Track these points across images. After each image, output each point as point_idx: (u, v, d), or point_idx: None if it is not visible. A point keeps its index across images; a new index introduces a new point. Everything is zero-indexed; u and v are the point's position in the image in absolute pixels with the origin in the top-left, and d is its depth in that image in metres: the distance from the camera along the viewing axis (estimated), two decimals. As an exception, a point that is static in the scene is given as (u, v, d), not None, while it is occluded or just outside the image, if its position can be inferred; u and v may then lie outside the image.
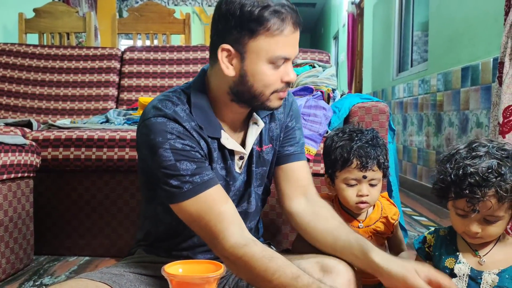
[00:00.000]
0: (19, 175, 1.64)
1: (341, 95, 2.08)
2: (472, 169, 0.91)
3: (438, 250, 1.04)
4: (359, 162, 1.20)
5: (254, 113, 1.11)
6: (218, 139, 1.05)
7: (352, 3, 6.76)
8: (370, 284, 1.06)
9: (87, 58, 2.73)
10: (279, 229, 1.79)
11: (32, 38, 3.27)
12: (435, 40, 3.51)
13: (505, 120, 1.46)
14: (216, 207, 0.97)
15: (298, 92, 1.92)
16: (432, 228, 1.12)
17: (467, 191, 0.90)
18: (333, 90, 2.02)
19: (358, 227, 1.27)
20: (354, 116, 1.78)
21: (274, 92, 1.01)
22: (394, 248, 1.36)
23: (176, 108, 1.01)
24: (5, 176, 1.56)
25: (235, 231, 0.96)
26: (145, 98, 2.22)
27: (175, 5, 6.72)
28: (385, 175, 1.26)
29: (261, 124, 1.11)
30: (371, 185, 1.23)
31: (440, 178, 0.97)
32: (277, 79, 1.00)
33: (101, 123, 2.18)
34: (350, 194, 1.22)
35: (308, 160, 1.67)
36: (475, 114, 2.72)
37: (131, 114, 2.28)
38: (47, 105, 2.63)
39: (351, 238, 1.04)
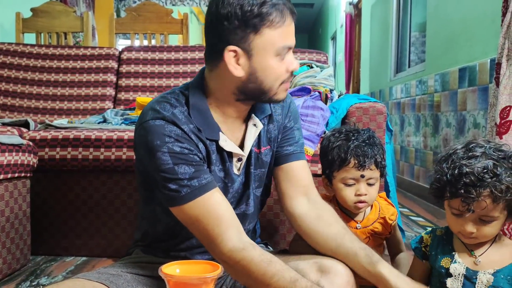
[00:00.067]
0: (16, 175, 1.64)
1: (339, 96, 2.08)
2: (467, 169, 0.91)
3: (434, 249, 1.05)
4: (356, 161, 1.20)
5: (253, 114, 1.11)
6: (217, 141, 1.05)
7: (350, 3, 6.77)
8: (367, 285, 1.06)
9: (84, 58, 2.73)
10: (277, 230, 1.79)
11: (30, 38, 3.27)
12: (433, 41, 3.51)
13: (502, 121, 1.46)
14: (214, 211, 0.97)
15: (295, 92, 1.92)
16: (429, 229, 1.12)
17: (462, 191, 0.91)
18: (331, 90, 2.02)
19: (356, 228, 1.27)
20: (352, 116, 1.78)
21: (281, 83, 1.03)
22: (393, 249, 1.36)
23: (174, 110, 1.01)
24: (1, 176, 1.55)
25: (233, 235, 0.97)
26: (143, 98, 2.22)
27: (173, 5, 6.71)
28: (382, 174, 1.27)
29: (260, 125, 1.11)
30: (369, 185, 1.23)
31: (437, 177, 0.97)
32: (284, 70, 1.02)
33: (99, 123, 2.18)
34: (349, 194, 1.23)
35: (306, 160, 1.67)
36: (472, 114, 2.72)
37: (128, 114, 2.27)
38: (44, 105, 2.63)
39: (356, 246, 1.05)
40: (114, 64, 2.74)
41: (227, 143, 1.06)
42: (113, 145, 1.81)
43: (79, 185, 1.87)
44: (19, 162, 1.63)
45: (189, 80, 2.60)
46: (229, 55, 0.98)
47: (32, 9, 3.15)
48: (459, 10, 3.00)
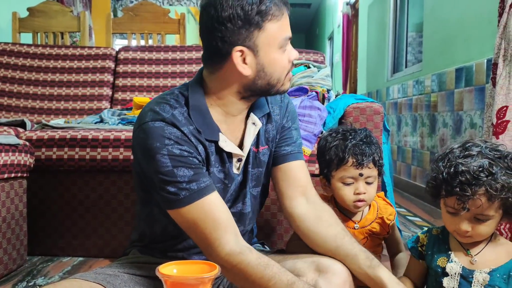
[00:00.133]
0: (13, 175, 1.63)
1: (336, 96, 2.08)
2: (463, 168, 0.92)
3: (430, 249, 1.06)
4: (355, 160, 1.20)
5: (252, 113, 1.11)
6: (216, 142, 1.05)
7: (347, 4, 6.78)
8: (363, 285, 1.06)
9: (81, 58, 2.72)
10: (274, 230, 1.79)
11: (26, 38, 3.25)
12: (430, 41, 3.52)
13: (499, 121, 1.46)
14: (212, 214, 0.97)
15: (293, 92, 1.92)
16: (426, 228, 1.12)
17: (458, 189, 0.92)
18: (328, 90, 2.02)
19: (354, 228, 1.27)
20: (349, 116, 1.78)
21: (287, 74, 1.06)
22: (392, 249, 1.36)
23: (174, 111, 1.01)
24: (-2, 176, 1.55)
25: (230, 239, 0.97)
26: (140, 98, 2.21)
27: (170, 5, 6.71)
28: (380, 173, 1.27)
29: (259, 123, 1.11)
30: (368, 183, 1.23)
31: (433, 176, 0.98)
32: (287, 61, 1.04)
33: (95, 123, 2.18)
34: (347, 193, 1.23)
35: (304, 160, 1.67)
36: (469, 115, 2.73)
37: (125, 114, 2.27)
38: (40, 105, 2.62)
39: (356, 248, 1.05)
40: (111, 64, 2.73)
41: (227, 143, 1.06)
42: (110, 145, 1.81)
43: (76, 185, 1.87)
44: (15, 162, 1.63)
45: (186, 80, 2.62)
46: (236, 55, 0.98)
47: (28, 9, 3.14)
48: (456, 10, 3.01)
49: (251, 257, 0.95)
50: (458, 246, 1.02)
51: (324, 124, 1.80)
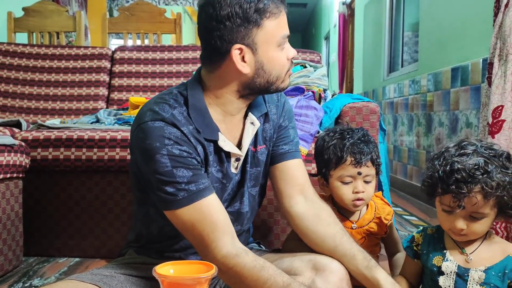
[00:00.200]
0: (8, 175, 1.62)
1: (332, 95, 2.08)
2: (459, 166, 0.93)
3: (426, 248, 1.06)
4: (353, 159, 1.21)
5: (250, 113, 1.11)
6: (215, 142, 1.05)
7: (343, 3, 6.79)
8: (359, 285, 1.07)
9: (77, 58, 2.71)
10: (271, 229, 1.79)
11: (21, 37, 3.24)
12: (425, 41, 3.53)
13: (494, 120, 1.47)
14: (210, 216, 0.97)
15: (289, 92, 1.92)
16: (421, 228, 1.13)
17: (454, 187, 0.93)
18: (324, 90, 2.02)
19: (352, 228, 1.27)
20: (345, 116, 1.78)
21: (287, 72, 1.06)
22: (390, 249, 1.36)
23: (173, 111, 1.00)
24: (-7, 177, 1.54)
25: (227, 241, 0.97)
26: (136, 98, 2.21)
27: (166, 4, 6.69)
28: (378, 172, 1.27)
29: (257, 123, 1.11)
30: (366, 182, 1.23)
31: (429, 174, 0.99)
32: (286, 59, 1.05)
33: (91, 123, 2.17)
34: (346, 192, 1.23)
35: (301, 159, 1.67)
36: (464, 114, 2.74)
37: (121, 114, 2.26)
38: (36, 105, 2.61)
39: (354, 248, 1.06)
40: (107, 64, 2.73)
41: (226, 143, 1.06)
42: (106, 145, 1.80)
43: (72, 186, 1.86)
44: (11, 163, 1.62)
45: (182, 79, 2.61)
46: (235, 53, 0.99)
47: (24, 9, 3.12)
48: (452, 10, 3.02)
49: (247, 259, 0.96)
50: (453, 245, 1.02)
51: (320, 124, 1.80)
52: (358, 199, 1.22)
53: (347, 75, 6.72)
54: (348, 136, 1.24)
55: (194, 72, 2.27)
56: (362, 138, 1.24)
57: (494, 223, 1.42)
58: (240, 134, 1.12)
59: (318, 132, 1.77)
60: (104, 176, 1.85)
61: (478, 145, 0.97)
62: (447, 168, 0.94)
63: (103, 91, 2.67)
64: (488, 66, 1.56)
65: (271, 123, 1.17)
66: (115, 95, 2.65)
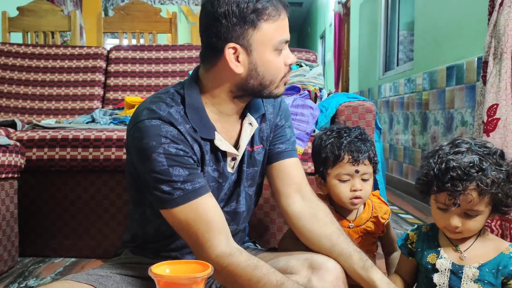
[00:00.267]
0: (3, 175, 1.61)
1: (328, 94, 2.08)
2: (454, 164, 0.94)
3: (420, 246, 1.07)
4: (350, 157, 1.21)
5: (248, 113, 1.11)
6: (211, 141, 1.05)
7: (339, 2, 6.79)
8: (355, 284, 1.07)
9: (72, 57, 2.70)
10: (267, 229, 1.79)
11: (16, 37, 3.22)
12: (421, 40, 3.54)
13: (489, 119, 1.47)
14: (205, 216, 0.97)
15: (285, 91, 1.92)
16: (416, 226, 1.13)
17: (449, 184, 0.93)
18: (320, 89, 2.03)
19: (349, 227, 1.28)
20: (341, 115, 1.79)
21: (282, 78, 1.05)
22: (387, 248, 1.36)
23: (170, 110, 1.00)
24: (-12, 177, 1.53)
25: (221, 240, 0.97)
26: (131, 98, 2.20)
27: (162, 4, 6.68)
28: (375, 171, 1.27)
29: (255, 124, 1.11)
30: (363, 180, 1.24)
31: (424, 172, 1.00)
32: (282, 64, 1.04)
33: (87, 122, 2.16)
34: (344, 190, 1.23)
35: (298, 158, 1.67)
36: (460, 112, 2.75)
37: (117, 114, 2.26)
38: (31, 105, 2.60)
39: (351, 248, 1.06)
40: (102, 64, 2.72)
41: (222, 142, 1.06)
42: (102, 145, 1.80)
43: (67, 186, 1.85)
44: (6, 163, 1.61)
45: (178, 79, 2.61)
46: (229, 52, 0.98)
47: (18, 8, 3.11)
48: (447, 9, 3.03)
49: (241, 258, 0.95)
50: (448, 243, 1.03)
51: (316, 123, 1.81)
52: (356, 197, 1.23)
53: (343, 74, 6.73)
54: (345, 135, 1.24)
55: (190, 72, 2.27)
56: (360, 137, 1.24)
57: (489, 221, 1.42)
58: (238, 134, 1.12)
59: (314, 131, 1.77)
60: (99, 176, 1.84)
61: (472, 143, 0.97)
62: (442, 166, 0.95)
63: (98, 90, 2.66)
64: (483, 64, 1.57)
65: (268, 123, 1.17)
66: (111, 95, 2.64)
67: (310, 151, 1.73)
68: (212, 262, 0.94)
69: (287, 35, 1.02)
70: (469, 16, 2.67)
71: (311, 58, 2.47)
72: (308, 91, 1.95)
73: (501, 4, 1.49)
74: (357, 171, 1.22)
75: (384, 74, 4.61)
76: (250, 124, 1.11)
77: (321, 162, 1.26)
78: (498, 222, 1.45)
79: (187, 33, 9.32)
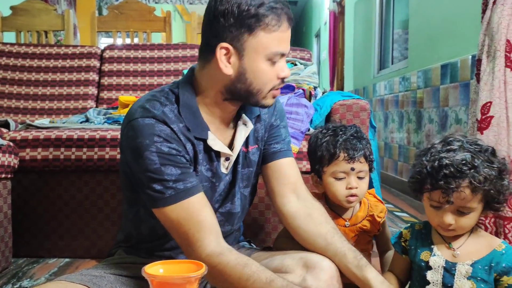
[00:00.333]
0: (-4, 176, 1.61)
1: (323, 93, 2.08)
2: (447, 161, 0.94)
3: (414, 244, 1.07)
4: (346, 155, 1.21)
5: (244, 114, 1.11)
6: (205, 140, 1.04)
7: (334, 1, 6.79)
8: (350, 282, 1.07)
9: (66, 57, 2.69)
10: (262, 228, 1.79)
11: (9, 37, 3.20)
12: (415, 38, 3.54)
13: (483, 117, 1.48)
14: (196, 216, 0.97)
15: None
16: (409, 224, 1.14)
17: (442, 182, 0.94)
18: (315, 88, 2.03)
19: (345, 226, 1.28)
20: (336, 113, 1.79)
21: (271, 89, 1.03)
22: (382, 246, 1.36)
23: (164, 108, 1.00)
24: (-19, 178, 1.52)
25: (212, 240, 0.97)
26: (125, 97, 2.19)
27: (156, 2, 6.67)
28: (371, 169, 1.28)
29: (250, 125, 1.11)
30: (359, 178, 1.24)
31: (417, 171, 1.00)
32: (274, 76, 1.02)
33: (81, 122, 2.15)
34: (340, 188, 1.23)
35: (293, 158, 1.67)
36: (454, 110, 2.76)
37: (111, 113, 2.25)
38: (25, 105, 2.58)
39: (345, 247, 1.06)
40: (96, 63, 2.71)
41: (216, 142, 1.06)
42: (96, 144, 1.79)
43: (61, 186, 1.84)
44: (-1, 163, 1.60)
45: (172, 78, 2.60)
46: (221, 52, 0.98)
47: (11, 7, 3.09)
48: (441, 7, 3.03)
49: (231, 257, 0.96)
50: (441, 240, 1.04)
51: (311, 122, 1.81)
52: (352, 195, 1.23)
53: (338, 73, 6.73)
54: (341, 133, 1.25)
55: (184, 71, 2.26)
56: (355, 135, 1.25)
57: (483, 218, 1.43)
58: (232, 135, 1.11)
59: (309, 130, 1.77)
60: (94, 176, 1.83)
61: (463, 141, 0.98)
62: (435, 164, 0.96)
63: (92, 90, 2.65)
64: (476, 62, 1.57)
65: (263, 123, 1.17)
66: (105, 94, 2.63)
67: (304, 149, 1.73)
68: (202, 262, 0.95)
69: (284, 49, 1.00)
70: (463, 14, 2.68)
71: (305, 57, 2.47)
72: (303, 89, 1.95)
73: (494, 2, 1.49)
74: (352, 169, 1.22)
75: (379, 73, 4.62)
76: (245, 124, 1.11)
77: (317, 160, 1.26)
78: (492, 220, 1.45)
79: (182, 32, 9.30)
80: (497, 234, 1.42)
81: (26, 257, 1.87)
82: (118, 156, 1.73)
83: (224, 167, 1.10)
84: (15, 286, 1.58)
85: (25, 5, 3.10)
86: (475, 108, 1.54)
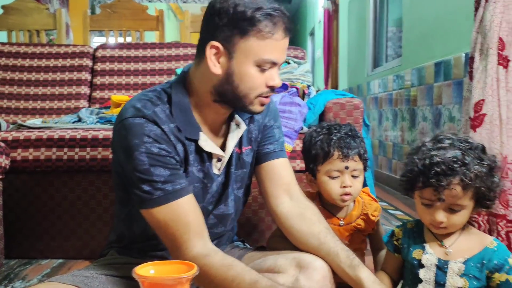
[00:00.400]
0: (-13, 177, 1.59)
1: (317, 91, 2.08)
2: (438, 159, 0.95)
3: (406, 242, 1.08)
4: (340, 153, 1.21)
5: (236, 115, 1.10)
6: (196, 141, 1.04)
7: (328, -1, 6.79)
8: (342, 281, 1.07)
9: (58, 56, 2.67)
10: (255, 227, 1.78)
11: (1, 36, 3.18)
12: (409, 36, 3.55)
13: (476, 115, 1.48)
14: (184, 217, 0.97)
15: (273, 88, 1.91)
16: (401, 223, 1.14)
17: (433, 180, 0.94)
18: (308, 86, 2.02)
19: (339, 225, 1.27)
20: (329, 112, 1.78)
21: (258, 96, 1.01)
22: (375, 245, 1.36)
23: (155, 108, 1.00)
24: (-29, 179, 1.51)
25: (198, 242, 0.97)
26: (118, 96, 2.18)
27: (149, 1, 6.64)
28: (365, 168, 1.27)
29: (243, 126, 1.11)
30: (354, 177, 1.23)
31: (408, 169, 1.01)
32: (262, 83, 1.00)
33: (73, 122, 2.14)
34: (334, 187, 1.23)
35: (287, 158, 1.67)
36: (447, 108, 2.76)
37: (103, 113, 2.23)
38: (16, 105, 2.56)
39: (338, 247, 1.06)
40: (89, 62, 2.69)
41: (207, 143, 1.05)
42: (88, 144, 1.78)
43: (53, 186, 1.83)
44: (-11, 164, 1.59)
45: (165, 77, 2.59)
46: (211, 50, 0.98)
47: (3, 6, 3.06)
48: (434, 5, 3.04)
49: (216, 258, 0.96)
50: (433, 238, 1.04)
51: (304, 120, 1.80)
52: (346, 194, 1.22)
53: (333, 71, 6.73)
54: (335, 131, 1.24)
55: (177, 70, 2.25)
56: (349, 133, 1.25)
57: (477, 216, 1.43)
58: (225, 136, 1.11)
59: (302, 129, 1.77)
60: (86, 176, 1.82)
61: (454, 139, 0.99)
62: (427, 162, 0.96)
63: (85, 89, 2.63)
64: (469, 60, 1.57)
65: (256, 123, 1.16)
66: (97, 94, 2.62)
67: (298, 148, 1.73)
68: None
69: (275, 57, 0.98)
70: (456, 12, 2.68)
71: (299, 55, 2.47)
72: (296, 88, 1.95)
73: (487, 0, 1.49)
74: (347, 167, 1.22)
75: (373, 71, 4.63)
76: (238, 125, 1.10)
77: (311, 159, 1.26)
78: (486, 217, 1.46)
79: (176, 31, 9.27)
80: (490, 232, 1.42)
81: (18, 258, 1.86)
82: (111, 156, 1.72)
83: (217, 168, 1.10)
84: (6, 288, 1.57)
85: (16, 4, 3.08)
86: (468, 106, 1.54)
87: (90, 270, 1.08)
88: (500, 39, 1.45)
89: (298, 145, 1.73)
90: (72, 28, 4.43)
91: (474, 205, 0.99)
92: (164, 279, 0.76)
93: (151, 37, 5.90)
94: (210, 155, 1.08)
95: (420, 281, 1.02)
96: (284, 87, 1.94)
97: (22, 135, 1.81)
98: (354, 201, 1.31)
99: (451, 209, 0.97)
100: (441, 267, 1.00)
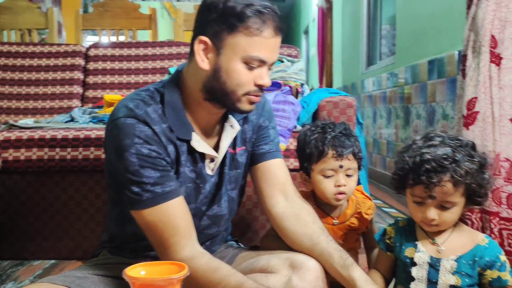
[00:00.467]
0: (-22, 177, 1.58)
1: (311, 90, 2.08)
2: (428, 156, 0.96)
3: (398, 240, 1.08)
4: (334, 152, 1.21)
5: (230, 116, 1.10)
6: (188, 142, 1.03)
7: (322, -3, 6.79)
8: (335, 280, 1.07)
9: (50, 55, 2.65)
10: (249, 226, 1.78)
11: (-8, 35, 3.16)
12: (402, 34, 3.55)
13: (469, 112, 1.48)
14: (172, 220, 0.97)
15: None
16: (393, 221, 1.14)
17: (424, 177, 0.95)
18: (302, 84, 2.02)
19: (333, 224, 1.27)
20: (323, 110, 1.78)
21: (246, 94, 1.00)
22: (369, 243, 1.36)
23: (148, 108, 0.99)
24: (-38, 179, 1.49)
25: (186, 245, 0.97)
26: (110, 96, 2.17)
27: (143, 0, 6.61)
28: (359, 167, 1.27)
29: (237, 126, 1.10)
30: (348, 176, 1.23)
31: (399, 167, 1.02)
32: (250, 81, 0.99)
33: (66, 122, 2.12)
34: (328, 186, 1.22)
35: (282, 158, 1.67)
36: (441, 106, 2.77)
37: (96, 113, 2.22)
38: (8, 105, 2.54)
39: (331, 247, 1.05)
40: (81, 62, 2.67)
41: (200, 143, 1.05)
42: (80, 144, 1.77)
43: (45, 186, 1.82)
44: (-20, 164, 1.57)
45: (158, 76, 2.58)
46: (199, 46, 0.97)
47: (-6, 6, 3.05)
48: (427, 3, 3.04)
49: (202, 261, 0.96)
50: (425, 236, 1.05)
51: (298, 119, 1.80)
52: (340, 193, 1.22)
53: (327, 69, 6.74)
54: (329, 130, 1.24)
55: (170, 69, 2.24)
56: (344, 132, 1.24)
57: (470, 214, 1.43)
58: (218, 137, 1.10)
59: (296, 127, 1.77)
60: (78, 176, 1.81)
61: (444, 136, 1.00)
62: (417, 159, 0.97)
63: (77, 89, 2.61)
64: (462, 58, 1.57)
65: (250, 124, 1.16)
66: (90, 93, 2.60)
67: (292, 147, 1.72)
68: None
69: (263, 55, 0.97)
70: (449, 10, 2.68)
71: (292, 54, 2.46)
72: (290, 86, 1.94)
73: (479, -2, 1.49)
74: (341, 166, 1.22)
75: (367, 69, 4.63)
76: (231, 126, 1.10)
77: (306, 157, 1.26)
78: (479, 215, 1.46)
79: (170, 29, 9.23)
80: (483, 229, 1.42)
81: (10, 259, 1.84)
82: (103, 156, 1.71)
83: (210, 169, 1.09)
84: (-2, 289, 1.56)
85: (8, 3, 3.05)
86: (461, 103, 1.54)
87: (82, 270, 1.08)
88: (493, 36, 1.45)
89: (292, 143, 1.73)
90: (64, 27, 4.40)
91: (465, 202, 0.99)
92: (155, 280, 0.76)
93: (144, 36, 5.88)
94: (203, 156, 1.07)
95: (413, 279, 1.02)
96: (278, 85, 1.93)
97: (13, 135, 1.79)
98: (348, 200, 1.30)
99: (443, 206, 0.98)
100: (434, 265, 1.00)
